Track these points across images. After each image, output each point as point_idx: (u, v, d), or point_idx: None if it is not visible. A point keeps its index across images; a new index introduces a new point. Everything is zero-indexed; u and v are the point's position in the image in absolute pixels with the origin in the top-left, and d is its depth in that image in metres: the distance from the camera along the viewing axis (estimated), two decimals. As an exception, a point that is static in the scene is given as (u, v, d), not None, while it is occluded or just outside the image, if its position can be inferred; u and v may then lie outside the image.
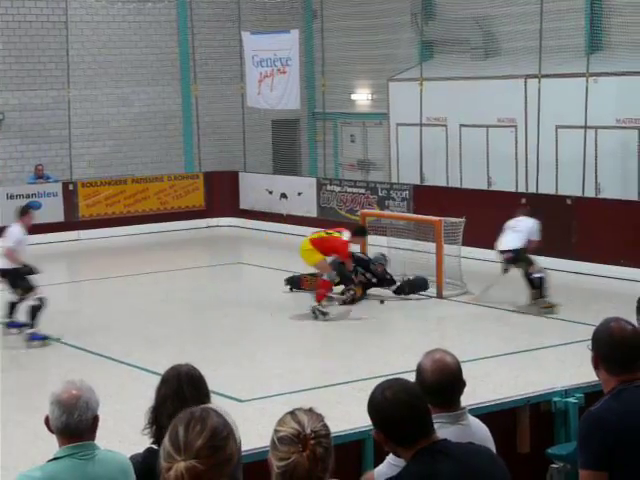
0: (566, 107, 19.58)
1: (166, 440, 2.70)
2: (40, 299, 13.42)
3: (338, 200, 22.27)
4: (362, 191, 21.82)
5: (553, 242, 16.63)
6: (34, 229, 14.65)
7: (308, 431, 2.95)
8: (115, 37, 25.00)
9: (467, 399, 4.36)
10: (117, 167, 24.98)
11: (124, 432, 8.71)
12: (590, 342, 4.24)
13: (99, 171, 24.67)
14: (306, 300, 15.43)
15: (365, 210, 19.39)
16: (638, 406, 4.07)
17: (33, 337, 13.37)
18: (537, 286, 14.75)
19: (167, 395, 4.35)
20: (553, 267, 16.39)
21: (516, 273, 14.93)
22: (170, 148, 25.91)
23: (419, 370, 4.19)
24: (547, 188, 19.52)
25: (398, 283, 15.98)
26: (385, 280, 15.99)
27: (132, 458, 4.30)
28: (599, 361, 4.18)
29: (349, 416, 8.66)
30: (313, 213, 22.77)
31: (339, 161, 26.69)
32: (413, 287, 15.95)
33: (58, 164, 24.11)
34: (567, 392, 6.71)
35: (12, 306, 13.75)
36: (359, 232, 15.46)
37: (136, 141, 25.45)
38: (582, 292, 16.05)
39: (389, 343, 13.83)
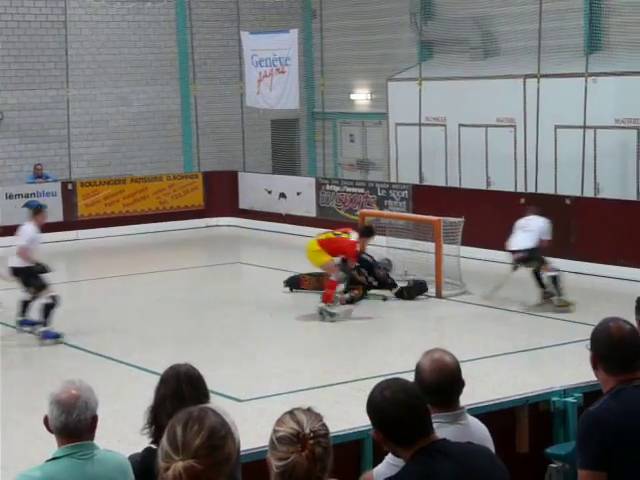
0: (565, 107, 19.58)
1: (164, 440, 2.70)
2: (53, 297, 13.53)
3: (337, 200, 22.27)
4: (361, 191, 21.82)
5: (552, 242, 16.62)
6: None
7: (307, 431, 2.95)
8: (114, 37, 25.00)
9: (466, 399, 4.36)
10: (116, 167, 24.98)
11: (123, 432, 8.71)
12: (589, 342, 4.24)
13: (98, 171, 24.66)
14: (305, 300, 15.43)
15: (364, 210, 19.38)
16: (637, 406, 4.07)
17: (46, 335, 13.47)
18: (547, 285, 14.78)
19: (166, 395, 4.35)
20: (552, 267, 16.41)
21: (524, 272, 14.94)
22: (169, 148, 25.90)
23: (418, 370, 4.19)
24: (546, 188, 19.53)
25: (399, 287, 15.96)
26: (386, 284, 15.98)
27: (131, 458, 4.30)
28: (598, 361, 4.18)
29: (348, 416, 8.67)
30: (312, 213, 22.77)
31: (338, 161, 26.69)
32: (412, 292, 15.91)
33: (57, 164, 24.11)
34: (566, 392, 6.71)
35: (25, 304, 13.83)
36: (366, 232, 15.43)
37: (135, 141, 25.44)
38: (581, 292, 16.04)
39: (388, 343, 13.84)
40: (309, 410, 3.05)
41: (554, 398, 6.67)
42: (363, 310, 15.26)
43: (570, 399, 6.62)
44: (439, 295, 15.89)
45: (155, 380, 4.50)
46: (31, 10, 23.93)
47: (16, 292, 13.98)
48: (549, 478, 6.41)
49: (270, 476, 3.00)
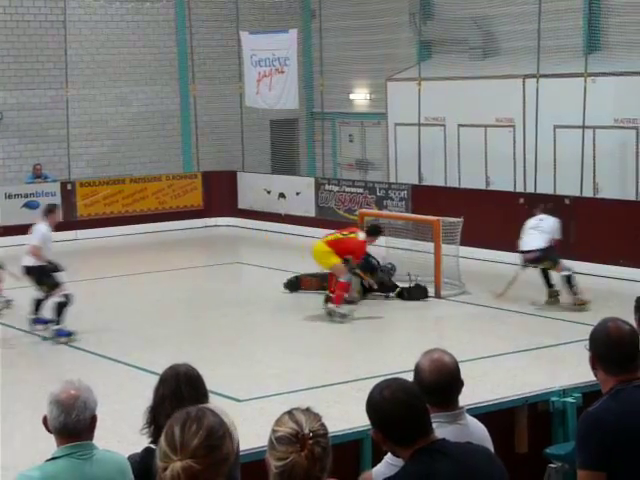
0: (564, 107, 19.57)
1: (162, 440, 2.70)
2: (66, 296, 13.60)
3: (336, 200, 22.27)
4: (360, 191, 21.82)
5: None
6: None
7: (306, 431, 2.95)
8: (113, 37, 24.99)
9: (465, 399, 4.36)
10: (115, 167, 24.97)
11: (122, 432, 8.71)
12: (588, 342, 4.23)
13: (97, 171, 24.66)
14: (305, 300, 15.42)
15: (363, 210, 19.37)
16: (636, 406, 4.07)
17: (59, 333, 13.54)
18: (556, 284, 14.80)
19: (165, 395, 4.35)
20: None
21: (533, 272, 14.96)
22: (168, 148, 25.90)
23: (417, 370, 4.19)
24: (545, 188, 19.52)
25: (399, 289, 15.94)
26: (387, 287, 15.96)
27: (130, 458, 4.30)
28: (597, 361, 4.18)
29: (347, 416, 8.66)
30: (311, 213, 22.77)
31: (337, 161, 26.69)
32: (412, 293, 15.89)
33: (56, 164, 24.10)
34: (565, 392, 6.71)
35: (38, 303, 13.90)
36: (373, 231, 15.38)
37: (134, 141, 25.44)
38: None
39: (388, 343, 13.84)
40: (308, 410, 3.05)
41: (553, 398, 6.67)
42: (362, 310, 15.25)
43: (569, 399, 6.62)
44: (438, 295, 15.88)
45: (154, 380, 4.49)
46: (30, 10, 23.92)
47: (29, 291, 14.03)
48: (548, 478, 6.41)
49: (269, 476, 3.00)
